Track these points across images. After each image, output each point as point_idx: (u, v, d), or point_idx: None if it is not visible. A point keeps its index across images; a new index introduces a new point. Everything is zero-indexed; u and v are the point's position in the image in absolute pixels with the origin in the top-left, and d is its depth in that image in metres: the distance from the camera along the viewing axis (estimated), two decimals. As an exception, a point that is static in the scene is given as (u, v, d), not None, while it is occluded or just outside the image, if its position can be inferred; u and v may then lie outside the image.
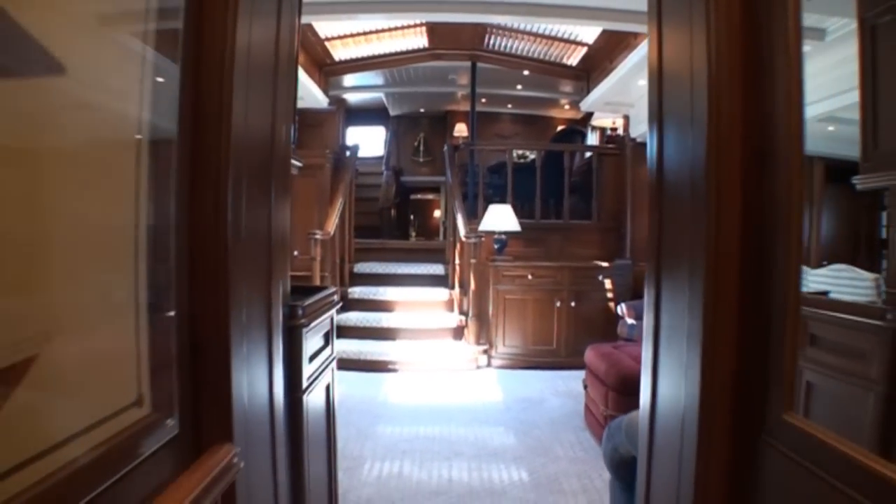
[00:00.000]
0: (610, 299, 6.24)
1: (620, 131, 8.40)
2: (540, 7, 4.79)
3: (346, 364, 5.64)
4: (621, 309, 5.78)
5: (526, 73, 8.51)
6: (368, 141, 11.99)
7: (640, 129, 6.60)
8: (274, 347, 1.53)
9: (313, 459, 2.11)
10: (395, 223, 10.99)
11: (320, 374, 2.23)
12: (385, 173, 11.22)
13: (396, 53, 7.85)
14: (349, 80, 8.82)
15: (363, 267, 7.24)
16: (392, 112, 11.74)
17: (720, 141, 1.27)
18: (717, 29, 1.29)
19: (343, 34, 7.03)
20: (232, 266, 1.21)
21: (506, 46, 7.86)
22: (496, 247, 6.38)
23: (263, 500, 1.47)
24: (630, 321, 5.54)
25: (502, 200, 6.74)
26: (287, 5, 1.71)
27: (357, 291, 6.77)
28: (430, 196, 12.02)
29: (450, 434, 4.16)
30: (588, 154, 7.85)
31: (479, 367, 6.08)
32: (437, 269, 7.27)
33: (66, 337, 0.82)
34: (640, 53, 5.23)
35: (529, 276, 6.20)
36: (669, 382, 1.39)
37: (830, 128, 4.59)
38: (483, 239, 6.20)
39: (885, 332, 2.40)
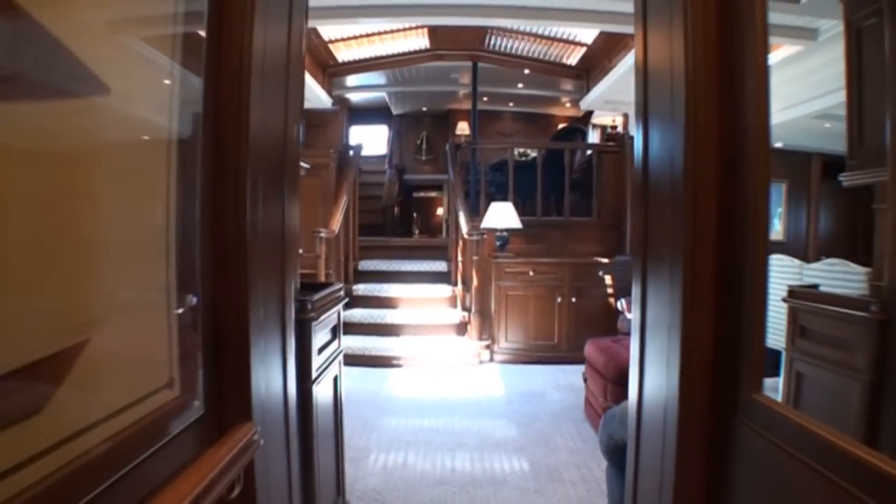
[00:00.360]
0: (610, 295, 6.33)
1: (620, 129, 8.50)
2: (538, 10, 4.90)
3: (352, 360, 5.74)
4: (621, 304, 5.87)
5: (526, 72, 8.61)
6: (371, 140, 12.11)
7: (640, 127, 6.69)
8: (287, 340, 1.64)
9: (322, 448, 2.23)
10: (398, 221, 11.10)
11: (328, 366, 2.34)
12: (388, 172, 11.33)
13: (398, 54, 7.96)
14: (352, 80, 8.93)
15: (367, 264, 7.36)
16: (394, 111, 11.84)
17: (697, 136, 1.37)
18: (694, 34, 1.39)
19: (346, 36, 7.14)
20: (251, 264, 1.32)
21: (506, 47, 7.96)
22: (498, 244, 6.48)
23: (278, 480, 1.58)
24: (629, 316, 5.63)
25: (504, 198, 6.85)
26: (297, 10, 1.80)
27: (361, 288, 6.88)
28: (432, 194, 12.11)
29: (453, 426, 4.27)
30: (588, 152, 7.95)
31: (481, 362, 6.20)
32: (440, 265, 7.38)
33: (110, 324, 0.93)
34: (638, 54, 5.33)
35: (531, 273, 6.30)
36: (654, 372, 1.49)
37: (826, 125, 4.69)
38: (485, 236, 6.31)
39: (870, 324, 2.52)
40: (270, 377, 1.50)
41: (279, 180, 1.64)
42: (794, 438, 1.04)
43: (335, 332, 2.53)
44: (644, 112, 1.71)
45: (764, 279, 1.24)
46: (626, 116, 7.38)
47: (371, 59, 7.92)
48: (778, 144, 5.95)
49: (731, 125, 1.36)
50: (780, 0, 3.82)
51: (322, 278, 5.73)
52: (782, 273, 5.44)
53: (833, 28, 4.40)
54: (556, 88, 9.40)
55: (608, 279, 6.34)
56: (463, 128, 11.24)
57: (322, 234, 5.81)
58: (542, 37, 7.45)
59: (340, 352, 2.59)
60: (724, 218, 1.34)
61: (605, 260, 6.45)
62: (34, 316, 0.76)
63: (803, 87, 5.18)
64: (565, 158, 7.10)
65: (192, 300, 1.19)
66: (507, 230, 6.46)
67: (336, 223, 6.13)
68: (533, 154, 8.35)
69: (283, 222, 1.67)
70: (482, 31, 7.47)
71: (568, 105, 10.44)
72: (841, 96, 2.96)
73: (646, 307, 1.56)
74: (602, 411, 3.95)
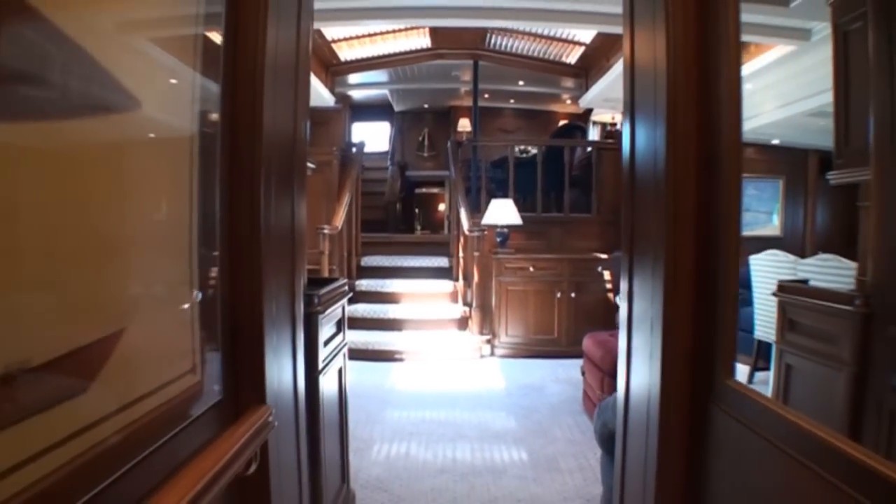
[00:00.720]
0: (609, 290, 6.43)
1: (619, 126, 8.58)
2: (536, 11, 4.99)
3: (355, 354, 5.85)
4: (619, 299, 5.97)
5: (523, 83, 8.72)
6: (373, 136, 12.20)
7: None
8: (297, 332, 1.75)
9: (327, 436, 2.33)
10: (400, 217, 11.19)
11: (333, 357, 2.45)
12: (390, 168, 11.41)
13: (400, 53, 8.05)
14: (354, 77, 9.03)
15: (370, 260, 7.46)
16: (396, 108, 11.92)
17: (676, 133, 1.46)
18: (675, 35, 1.49)
19: (349, 36, 7.23)
20: (265, 260, 1.42)
21: (506, 46, 8.05)
22: (498, 240, 6.58)
23: (288, 464, 1.68)
24: (626, 311, 5.73)
25: (504, 195, 6.95)
26: (305, 12, 1.87)
27: (364, 284, 6.98)
28: (434, 190, 12.19)
29: (454, 418, 4.38)
30: (588, 149, 8.04)
31: (482, 356, 6.30)
32: (441, 261, 7.49)
33: (143, 315, 1.03)
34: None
35: (531, 268, 6.40)
36: (640, 362, 1.60)
37: (821, 122, 4.78)
38: (486, 232, 6.41)
39: (854, 317, 2.62)
40: (282, 366, 1.60)
41: (289, 178, 1.73)
42: (759, 418, 1.14)
43: (340, 326, 2.64)
44: (631, 109, 1.80)
45: (735, 276, 1.34)
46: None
47: (373, 58, 8.02)
48: (775, 141, 6.06)
49: (708, 126, 1.45)
50: (769, 3, 3.92)
51: (325, 274, 5.84)
52: (777, 268, 5.54)
53: (825, 29, 4.48)
54: (557, 85, 9.49)
55: (607, 275, 6.44)
56: (464, 124, 11.32)
57: (325, 231, 5.91)
58: (541, 36, 7.54)
59: (345, 344, 2.69)
60: (702, 216, 1.43)
61: (604, 256, 6.54)
62: (80, 308, 0.87)
63: (798, 86, 5.26)
64: (565, 155, 7.19)
65: (198, 296, 1.28)
66: (507, 226, 6.56)
67: (339, 220, 6.22)
68: (533, 151, 8.44)
69: (293, 219, 1.76)
70: (483, 31, 7.56)
71: (568, 102, 10.52)
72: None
73: (632, 301, 1.66)
74: (599, 403, 4.06)
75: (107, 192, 0.93)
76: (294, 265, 1.73)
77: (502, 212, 6.46)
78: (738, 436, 1.21)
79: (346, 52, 7.70)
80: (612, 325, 5.94)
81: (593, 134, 10.25)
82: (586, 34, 7.08)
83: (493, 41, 7.88)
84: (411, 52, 8.03)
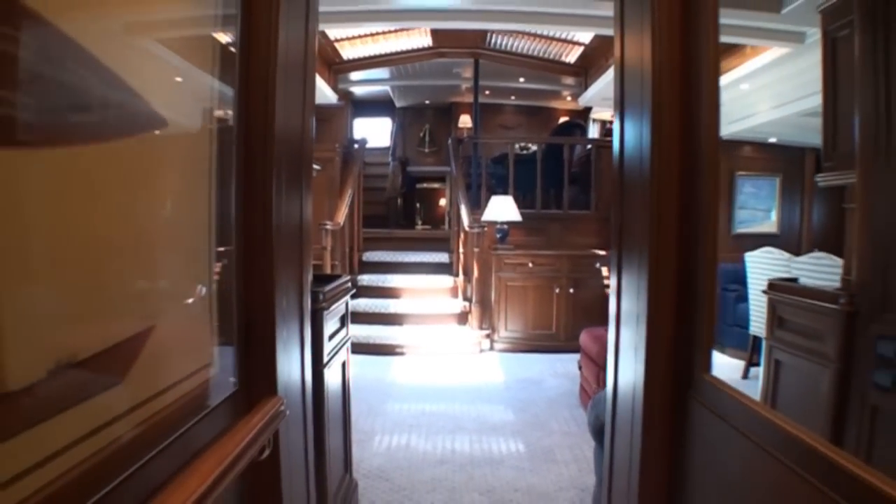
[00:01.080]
0: (606, 286, 6.51)
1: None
2: (535, 14, 5.08)
3: (356, 348, 5.95)
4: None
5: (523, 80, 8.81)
6: (375, 132, 12.29)
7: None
8: (304, 327, 1.84)
9: (331, 427, 2.44)
10: (401, 212, 11.29)
11: (337, 352, 2.55)
12: (391, 164, 11.50)
13: (402, 52, 8.13)
14: (356, 74, 9.11)
15: (371, 255, 7.57)
16: (398, 104, 12.00)
17: (662, 134, 1.54)
18: (660, 39, 1.56)
19: (351, 36, 7.30)
20: (276, 258, 1.52)
21: (507, 45, 8.13)
22: (498, 236, 6.68)
23: (297, 451, 1.78)
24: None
25: (504, 191, 7.04)
26: (312, 14, 1.93)
27: (366, 279, 7.09)
28: (435, 185, 12.26)
29: (453, 411, 4.49)
30: (588, 146, 8.12)
31: (482, 351, 6.42)
32: (441, 257, 7.59)
33: (169, 312, 1.13)
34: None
35: (530, 264, 6.51)
36: (626, 356, 1.69)
37: (816, 122, 4.87)
38: (486, 228, 6.51)
39: (839, 315, 2.73)
40: (291, 359, 1.69)
41: (298, 175, 1.78)
42: (729, 409, 1.24)
43: (343, 321, 2.74)
44: (621, 108, 1.87)
45: (713, 275, 1.44)
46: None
47: (375, 56, 8.10)
48: (772, 139, 6.14)
49: (691, 126, 1.53)
50: (762, 10, 4.00)
51: (328, 269, 5.94)
52: (772, 265, 5.64)
53: (818, 33, 4.55)
54: (557, 82, 9.57)
55: (605, 271, 6.53)
56: (465, 120, 11.40)
57: (328, 227, 6.01)
58: (541, 36, 7.62)
59: (348, 339, 2.80)
60: (684, 216, 1.52)
61: (602, 252, 6.63)
62: (118, 307, 0.96)
63: (794, 87, 5.34)
64: (564, 153, 7.28)
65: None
66: (507, 223, 6.66)
67: (341, 216, 6.32)
68: (533, 148, 8.53)
69: (301, 216, 1.85)
70: (483, 31, 7.63)
71: (569, 99, 10.59)
72: (827, 97, 3.15)
73: (620, 297, 1.76)
74: (593, 396, 4.17)
75: (140, 202, 1.03)
76: (302, 261, 1.82)
77: (502, 208, 6.56)
78: (713, 425, 1.31)
79: (348, 51, 7.78)
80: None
81: (593, 131, 10.32)
82: (585, 35, 7.17)
83: (493, 41, 7.97)
84: (413, 50, 8.12)
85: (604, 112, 9.92)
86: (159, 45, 1.11)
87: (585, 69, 8.15)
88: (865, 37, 2.49)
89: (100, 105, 0.89)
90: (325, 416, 2.31)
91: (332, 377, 2.45)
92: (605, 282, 6.53)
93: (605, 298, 6.43)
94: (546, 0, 4.64)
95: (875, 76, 2.48)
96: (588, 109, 10.15)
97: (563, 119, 10.89)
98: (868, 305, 2.48)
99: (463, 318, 6.71)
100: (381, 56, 8.12)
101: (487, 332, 6.48)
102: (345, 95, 9.61)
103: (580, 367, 4.75)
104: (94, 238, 0.89)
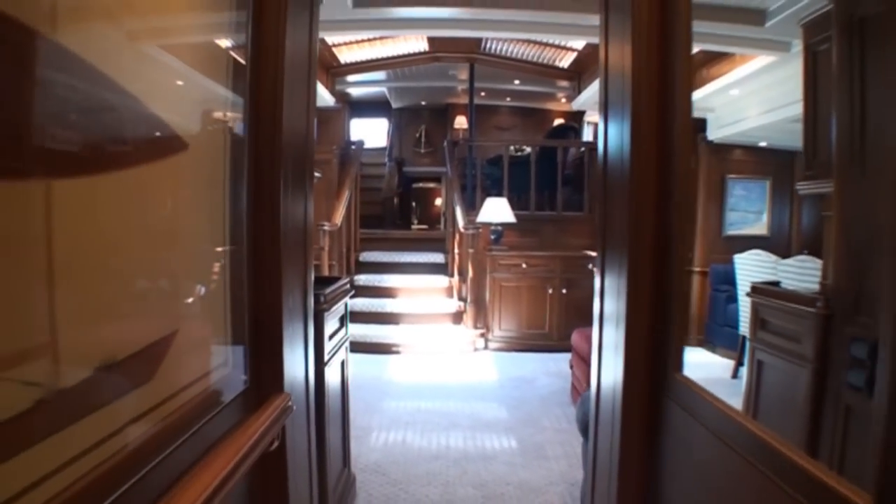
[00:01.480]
0: (599, 287, 6.64)
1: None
2: (528, 24, 5.20)
3: (353, 347, 6.00)
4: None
5: (517, 82, 8.91)
6: (371, 132, 12.38)
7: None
8: (308, 327, 1.95)
9: (331, 423, 2.55)
10: (397, 212, 11.40)
11: (337, 351, 2.66)
12: (388, 164, 11.61)
13: (398, 56, 8.21)
14: (353, 76, 9.19)
15: (368, 256, 7.68)
16: (394, 105, 12.07)
17: (640, 127, 1.64)
18: (639, 47, 1.67)
19: (349, 41, 7.39)
20: (284, 259, 1.63)
21: (501, 50, 8.24)
22: (493, 237, 6.81)
23: (301, 445, 1.90)
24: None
25: (499, 193, 7.16)
26: (315, 23, 2.02)
27: (362, 279, 7.19)
28: (431, 185, 12.33)
29: (448, 408, 4.62)
30: (581, 148, 8.23)
31: (476, 350, 6.54)
32: (437, 257, 7.71)
33: (191, 316, 1.25)
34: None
35: (524, 265, 6.63)
36: (609, 356, 1.81)
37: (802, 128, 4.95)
38: (480, 230, 6.62)
39: (816, 318, 2.86)
40: (295, 358, 1.81)
41: (302, 178, 1.88)
42: (697, 407, 1.37)
43: (342, 321, 2.86)
44: (605, 111, 1.98)
45: (684, 281, 1.55)
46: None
47: (372, 60, 8.19)
48: (762, 143, 6.27)
49: (668, 132, 1.63)
50: (747, 24, 4.13)
51: (326, 270, 6.04)
52: (760, 267, 5.78)
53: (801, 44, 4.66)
54: (552, 85, 9.67)
55: (597, 272, 6.65)
56: (461, 122, 11.48)
57: (325, 227, 6.11)
58: (535, 42, 7.73)
59: (347, 339, 2.91)
60: (660, 221, 1.63)
61: (595, 253, 6.73)
62: (149, 313, 1.08)
63: (781, 93, 5.47)
64: (558, 155, 7.40)
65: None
66: (501, 224, 6.78)
67: (338, 217, 6.43)
68: (528, 150, 8.64)
69: (305, 218, 1.95)
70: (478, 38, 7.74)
71: (563, 101, 10.68)
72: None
73: (604, 299, 1.87)
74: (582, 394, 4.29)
75: (166, 219, 1.14)
76: (305, 262, 1.93)
77: (497, 210, 6.67)
78: (683, 421, 1.44)
79: (346, 55, 7.88)
80: (602, 321, 6.17)
81: (587, 133, 10.44)
82: (578, 41, 7.29)
83: (488, 45, 8.07)
84: (409, 55, 8.20)
85: (597, 115, 10.00)
86: (185, 66, 1.23)
87: (579, 74, 8.27)
88: (842, 51, 2.61)
89: (133, 135, 1.01)
90: (326, 412, 2.42)
91: (332, 375, 2.57)
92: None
93: (597, 299, 6.58)
94: (539, 6, 4.75)
95: (851, 89, 2.60)
96: (582, 112, 10.26)
97: (557, 121, 11.00)
98: (843, 308, 2.59)
99: (458, 317, 6.83)
100: (377, 60, 8.21)
101: (482, 331, 6.60)
102: (342, 96, 9.70)
103: (571, 367, 4.88)
104: (130, 252, 1.01)
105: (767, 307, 3.33)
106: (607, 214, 1.90)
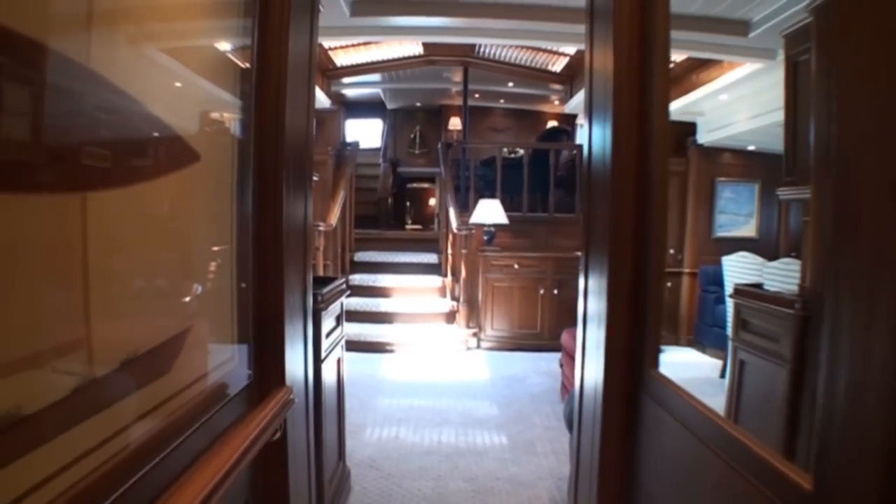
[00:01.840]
0: (589, 287, 6.76)
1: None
2: (521, 32, 5.32)
3: (348, 345, 6.03)
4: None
5: (511, 84, 9.02)
6: (366, 133, 12.47)
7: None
8: (307, 324, 2.05)
9: (327, 418, 2.65)
10: (392, 212, 11.49)
11: (333, 348, 2.76)
12: (382, 165, 11.70)
13: (393, 59, 8.30)
14: (349, 78, 9.28)
15: (362, 256, 7.78)
16: (389, 106, 12.15)
17: (619, 134, 1.73)
18: (620, 50, 1.77)
19: (345, 44, 7.48)
20: (286, 258, 1.72)
21: (495, 54, 8.36)
22: (485, 238, 6.91)
23: (300, 436, 1.99)
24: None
25: (492, 194, 7.27)
26: (314, 29, 2.11)
27: (357, 278, 7.29)
28: (425, 185, 12.41)
29: (440, 406, 4.72)
30: (573, 150, 8.35)
31: (468, 349, 6.65)
32: (430, 258, 7.82)
33: (202, 314, 1.35)
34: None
35: (516, 266, 6.74)
36: (591, 354, 1.92)
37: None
38: (473, 231, 6.74)
39: (794, 319, 2.98)
40: (295, 354, 1.90)
41: (302, 179, 1.96)
42: (667, 399, 1.47)
43: (339, 320, 2.96)
44: (590, 113, 2.05)
45: (660, 281, 1.66)
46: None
47: (367, 63, 8.28)
48: (751, 147, 6.39)
49: (647, 135, 1.72)
50: (731, 34, 4.25)
51: (321, 269, 6.13)
52: (746, 269, 5.91)
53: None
54: (545, 87, 9.78)
55: (588, 273, 6.76)
56: (455, 123, 11.58)
57: (321, 228, 6.20)
58: (528, 47, 7.85)
59: (343, 337, 3.01)
60: (639, 222, 1.72)
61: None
62: (167, 311, 1.18)
63: (768, 99, 5.59)
64: (550, 158, 7.51)
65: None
66: (494, 225, 6.88)
67: (333, 217, 6.52)
68: (521, 152, 8.75)
69: (305, 220, 2.04)
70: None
71: (557, 103, 10.78)
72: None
73: (587, 299, 1.97)
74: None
75: (182, 223, 1.24)
76: (305, 262, 2.03)
77: (490, 211, 6.78)
78: (656, 414, 1.54)
79: (341, 58, 7.96)
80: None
81: (580, 136, 10.55)
82: (570, 46, 7.41)
83: (482, 50, 8.18)
84: (404, 58, 8.29)
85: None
86: (199, 78, 1.33)
87: (571, 78, 8.40)
88: (821, 62, 2.72)
89: (154, 150, 1.11)
90: (323, 407, 2.52)
91: (328, 372, 2.67)
92: (588, 283, 6.78)
93: (588, 299, 6.70)
94: (531, 17, 4.87)
95: (829, 100, 2.70)
96: (575, 115, 10.38)
97: (550, 124, 11.12)
98: (819, 310, 2.70)
99: (451, 317, 6.94)
100: (373, 63, 8.30)
101: (474, 330, 6.72)
102: (337, 97, 9.78)
103: (561, 365, 4.98)
104: (151, 256, 1.11)
105: (749, 308, 3.45)
106: (591, 216, 1.99)
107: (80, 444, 0.88)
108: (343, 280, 3.03)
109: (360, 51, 7.86)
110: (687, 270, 7.33)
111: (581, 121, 10.40)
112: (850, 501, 0.79)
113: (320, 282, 2.73)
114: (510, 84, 9.95)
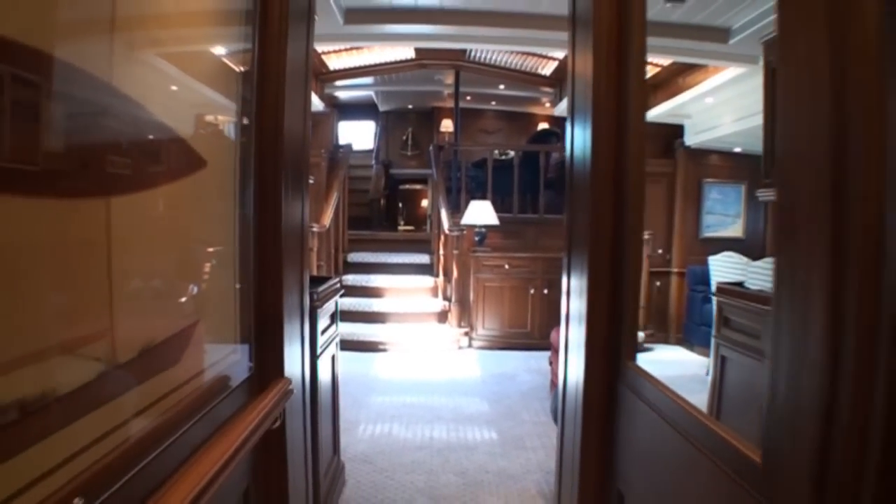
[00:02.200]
0: (579, 287, 6.87)
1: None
2: (508, 38, 5.45)
3: (341, 344, 6.12)
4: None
5: (502, 86, 9.14)
6: (359, 135, 12.56)
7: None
8: (304, 321, 2.15)
9: (322, 413, 2.75)
10: (384, 213, 11.59)
11: (328, 346, 2.86)
12: (375, 167, 11.80)
13: (386, 63, 8.40)
14: (341, 80, 9.37)
15: (355, 256, 7.87)
16: (381, 108, 12.25)
17: (598, 132, 1.82)
18: (598, 57, 1.86)
19: (338, 48, 7.57)
20: (285, 258, 1.82)
21: (486, 58, 8.47)
22: (477, 239, 7.02)
23: (297, 428, 2.09)
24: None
25: (483, 196, 7.38)
26: (310, 36, 2.17)
27: (350, 279, 7.36)
28: (417, 186, 12.50)
29: (432, 403, 4.83)
30: (563, 153, 8.42)
31: (460, 348, 6.76)
32: (422, 258, 7.92)
33: (208, 309, 1.45)
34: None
35: (506, 266, 6.85)
36: (573, 351, 2.02)
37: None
38: (465, 232, 6.85)
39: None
40: (293, 349, 2.00)
41: (299, 181, 2.05)
42: (640, 387, 1.58)
43: (333, 319, 3.05)
44: (571, 116, 2.16)
45: (637, 279, 1.76)
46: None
47: (360, 67, 8.37)
48: (737, 149, 6.52)
49: (623, 137, 1.81)
50: (712, 41, 4.37)
51: (314, 270, 6.22)
52: (732, 268, 6.04)
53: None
54: (536, 90, 9.90)
55: (577, 273, 6.87)
56: (447, 125, 11.68)
57: (314, 229, 6.27)
58: (518, 52, 7.97)
59: (337, 335, 3.11)
60: (617, 223, 1.82)
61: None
62: (178, 305, 1.28)
63: (752, 102, 5.72)
64: (540, 160, 7.63)
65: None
66: (485, 226, 7.00)
67: (327, 219, 6.60)
68: (511, 154, 8.87)
69: (302, 221, 2.14)
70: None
71: (547, 105, 10.91)
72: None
73: (570, 297, 2.07)
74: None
75: (191, 225, 1.34)
76: (302, 261, 2.13)
77: (481, 213, 6.89)
78: (632, 402, 1.65)
79: (334, 62, 8.05)
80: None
81: (570, 138, 10.65)
82: (559, 51, 7.54)
83: (473, 54, 8.30)
84: (396, 62, 8.37)
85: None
86: (204, 86, 1.42)
87: (560, 81, 8.52)
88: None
89: (167, 158, 1.21)
90: (318, 401, 2.62)
91: (323, 368, 2.76)
92: (578, 283, 6.89)
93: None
94: (518, 24, 4.99)
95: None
96: (565, 118, 10.46)
97: (541, 126, 11.23)
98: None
99: (443, 316, 7.05)
100: (365, 67, 8.39)
101: (466, 330, 6.82)
102: (329, 100, 9.87)
103: (550, 363, 5.09)
104: (163, 255, 1.21)
105: (730, 306, 3.57)
106: (573, 218, 2.08)
107: (108, 422, 0.98)
108: (337, 280, 3.13)
109: (353, 54, 7.95)
110: (675, 270, 7.45)
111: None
112: (790, 469, 0.90)
113: (315, 281, 2.83)
114: (501, 86, 10.07)
